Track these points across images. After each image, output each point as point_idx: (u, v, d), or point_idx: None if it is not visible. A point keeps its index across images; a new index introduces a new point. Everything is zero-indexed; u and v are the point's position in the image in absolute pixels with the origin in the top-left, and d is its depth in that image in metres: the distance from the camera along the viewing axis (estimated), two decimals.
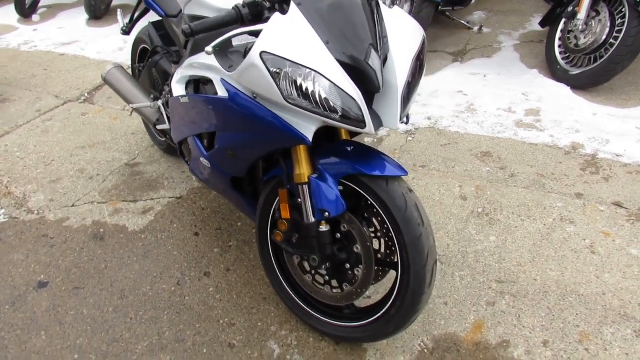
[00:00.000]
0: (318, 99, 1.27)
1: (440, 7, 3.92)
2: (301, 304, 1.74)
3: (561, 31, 3.33)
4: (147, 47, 2.50)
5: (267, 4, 1.42)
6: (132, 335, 1.79)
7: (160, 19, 2.14)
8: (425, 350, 1.67)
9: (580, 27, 3.10)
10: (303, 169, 1.48)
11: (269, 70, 1.25)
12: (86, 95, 3.75)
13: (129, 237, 2.25)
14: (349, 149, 1.52)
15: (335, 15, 1.35)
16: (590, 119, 2.87)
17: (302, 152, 1.48)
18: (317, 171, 1.48)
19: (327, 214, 1.45)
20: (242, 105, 1.41)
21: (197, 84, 1.77)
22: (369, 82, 1.32)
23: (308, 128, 1.36)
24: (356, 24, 1.35)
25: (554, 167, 2.52)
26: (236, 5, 1.40)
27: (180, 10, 2.01)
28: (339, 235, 1.56)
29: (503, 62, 3.66)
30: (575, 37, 3.17)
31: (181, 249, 2.17)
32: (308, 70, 1.25)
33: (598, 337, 1.67)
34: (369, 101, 1.39)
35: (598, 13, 3.05)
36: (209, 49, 1.36)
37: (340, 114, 1.29)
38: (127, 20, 2.45)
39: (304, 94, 1.27)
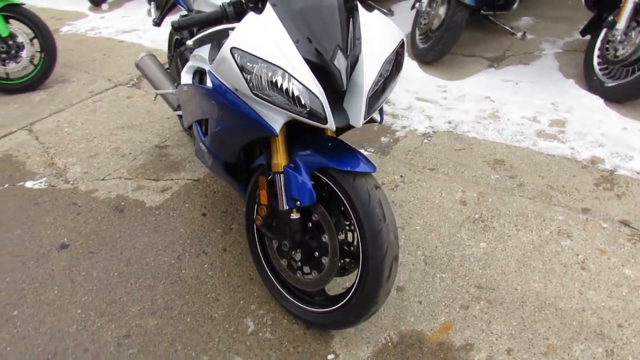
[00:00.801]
0: (282, 94, 1.38)
1: (482, 12, 3.87)
2: (278, 286, 1.86)
3: (601, 41, 3.21)
4: (179, 38, 2.70)
5: (251, 4, 1.54)
6: (129, 298, 1.98)
7: None
8: (389, 344, 1.73)
9: (619, 37, 2.98)
10: (279, 159, 1.58)
11: (237, 64, 1.37)
12: (135, 80, 4.05)
13: (145, 212, 2.46)
14: (328, 144, 1.61)
15: (309, 16, 1.44)
16: (618, 134, 2.77)
17: (279, 143, 1.59)
18: (293, 162, 1.59)
19: (298, 202, 1.55)
20: (223, 95, 1.53)
21: (202, 75, 1.93)
22: (334, 81, 1.41)
23: (277, 121, 1.46)
24: (327, 26, 1.43)
25: (566, 180, 2.47)
26: (222, 4, 1.53)
27: None
28: (310, 224, 1.65)
29: (539, 70, 3.57)
30: (614, 48, 3.05)
31: (187, 227, 2.34)
32: (274, 67, 1.36)
33: (566, 352, 1.67)
34: (339, 99, 1.48)
35: (638, 23, 2.92)
36: (189, 42, 1.50)
37: (302, 109, 1.39)
38: (158, 13, 2.65)
39: (270, 89, 1.38)
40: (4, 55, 3.73)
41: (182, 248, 2.22)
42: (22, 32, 3.76)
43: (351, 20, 1.51)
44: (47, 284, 2.07)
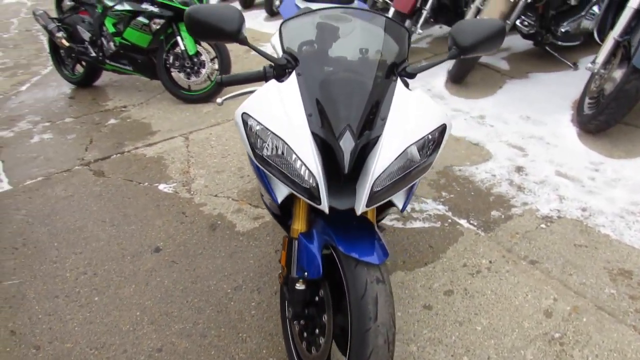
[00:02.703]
0: (282, 166, 1.35)
1: None
2: (292, 348, 1.81)
3: None
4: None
5: (290, 69, 1.53)
6: (179, 315, 2.15)
7: None
8: None
9: None
10: (297, 225, 1.55)
11: (245, 129, 1.39)
12: None
13: (232, 235, 2.64)
14: (349, 218, 1.51)
15: (332, 89, 1.38)
16: None
17: (300, 209, 1.55)
18: (310, 230, 1.53)
19: (306, 274, 1.50)
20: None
21: None
22: (338, 162, 1.32)
23: (281, 190, 1.43)
24: (346, 102, 1.36)
25: None
26: (264, 66, 1.56)
27: None
28: (317, 298, 1.57)
29: None
30: None
31: (257, 261, 2.43)
32: (278, 139, 1.34)
33: None
34: (354, 179, 1.38)
35: None
36: (218, 100, 1.56)
37: (297, 186, 1.33)
38: None
39: (272, 160, 1.36)
40: (189, 70, 4.38)
41: (242, 280, 2.32)
42: (206, 52, 4.37)
43: (384, 98, 1.40)
44: (129, 281, 2.37)
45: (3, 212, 3.01)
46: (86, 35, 4.68)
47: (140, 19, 4.25)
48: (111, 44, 4.51)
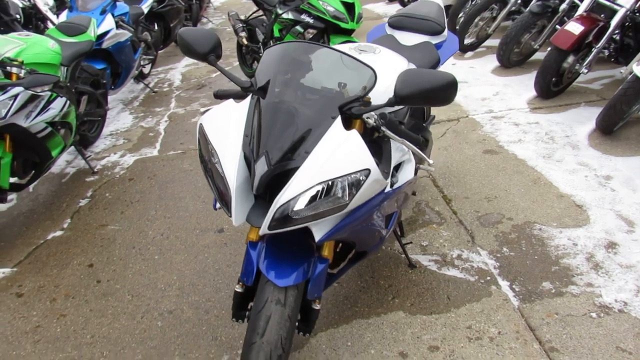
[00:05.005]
0: (214, 177, 1.52)
1: None
2: None
3: None
4: None
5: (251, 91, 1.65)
6: (201, 289, 2.48)
7: None
8: None
9: None
10: (251, 232, 1.68)
11: (198, 136, 1.59)
12: None
13: None
14: (291, 235, 1.57)
15: (272, 116, 1.50)
16: None
17: None
18: (260, 240, 1.66)
19: (245, 279, 1.65)
20: None
21: None
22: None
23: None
24: (275, 129, 1.47)
25: None
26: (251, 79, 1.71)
27: None
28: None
29: None
30: None
31: None
32: (215, 152, 1.52)
33: None
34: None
35: None
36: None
37: (219, 196, 1.50)
38: None
39: (208, 169, 1.55)
40: None
41: None
42: None
43: (316, 133, 1.46)
44: (185, 250, 2.79)
45: (141, 171, 3.76)
46: (260, 37, 5.37)
47: (298, 27, 4.72)
48: None
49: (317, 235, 1.51)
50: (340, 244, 1.93)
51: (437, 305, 2.23)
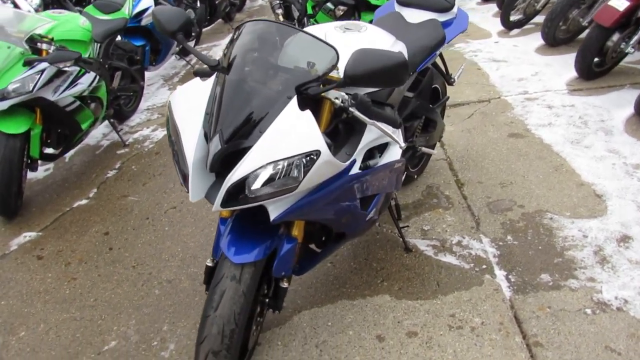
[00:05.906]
0: (177, 153, 1.57)
1: None
2: None
3: None
4: None
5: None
6: (202, 261, 2.57)
7: None
8: None
9: None
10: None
11: (168, 113, 1.64)
12: None
13: None
14: (257, 213, 1.61)
15: (233, 93, 1.51)
16: None
17: None
18: (231, 216, 1.71)
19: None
20: None
21: None
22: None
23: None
24: (232, 107, 1.48)
25: None
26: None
27: None
28: None
29: None
30: None
31: None
32: (177, 128, 1.56)
33: None
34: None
35: None
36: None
37: (180, 171, 1.54)
38: None
39: (173, 144, 1.59)
40: None
41: None
42: None
43: (272, 112, 1.46)
44: (194, 223, 2.90)
45: (168, 146, 3.89)
46: (295, 14, 5.35)
47: (329, 4, 4.66)
48: (308, 24, 5.07)
49: (273, 214, 1.52)
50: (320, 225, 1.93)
51: (424, 291, 2.20)
